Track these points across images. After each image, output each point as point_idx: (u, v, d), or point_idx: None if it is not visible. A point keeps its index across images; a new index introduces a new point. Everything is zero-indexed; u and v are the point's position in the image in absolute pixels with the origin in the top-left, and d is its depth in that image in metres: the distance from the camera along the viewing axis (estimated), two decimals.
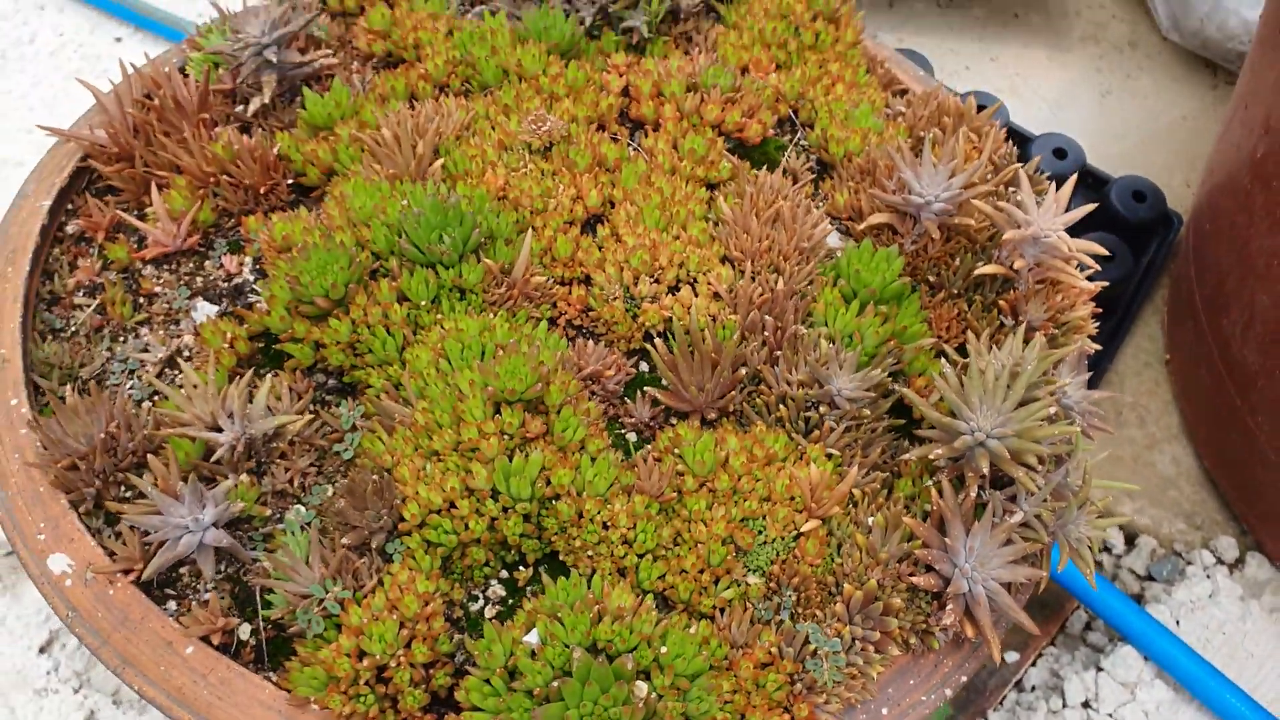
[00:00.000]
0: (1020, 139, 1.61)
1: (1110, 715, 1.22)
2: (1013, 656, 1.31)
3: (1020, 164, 0.95)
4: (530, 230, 0.88)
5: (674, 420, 0.84)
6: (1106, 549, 1.39)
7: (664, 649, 0.70)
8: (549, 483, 0.76)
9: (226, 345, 0.85)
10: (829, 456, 0.81)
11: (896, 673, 0.78)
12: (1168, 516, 1.38)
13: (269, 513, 0.80)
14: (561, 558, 0.78)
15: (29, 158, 1.62)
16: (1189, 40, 1.77)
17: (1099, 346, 0.94)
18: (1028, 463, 0.76)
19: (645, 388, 0.85)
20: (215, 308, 0.90)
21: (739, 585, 0.77)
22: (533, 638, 0.71)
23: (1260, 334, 1.20)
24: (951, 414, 0.78)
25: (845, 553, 0.78)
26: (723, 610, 0.76)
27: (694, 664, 0.70)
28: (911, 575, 0.76)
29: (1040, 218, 0.87)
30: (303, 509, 0.80)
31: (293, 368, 0.85)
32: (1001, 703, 1.29)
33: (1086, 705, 1.23)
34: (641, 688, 0.67)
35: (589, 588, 0.73)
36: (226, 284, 0.92)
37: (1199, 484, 1.40)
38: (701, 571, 0.76)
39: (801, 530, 0.78)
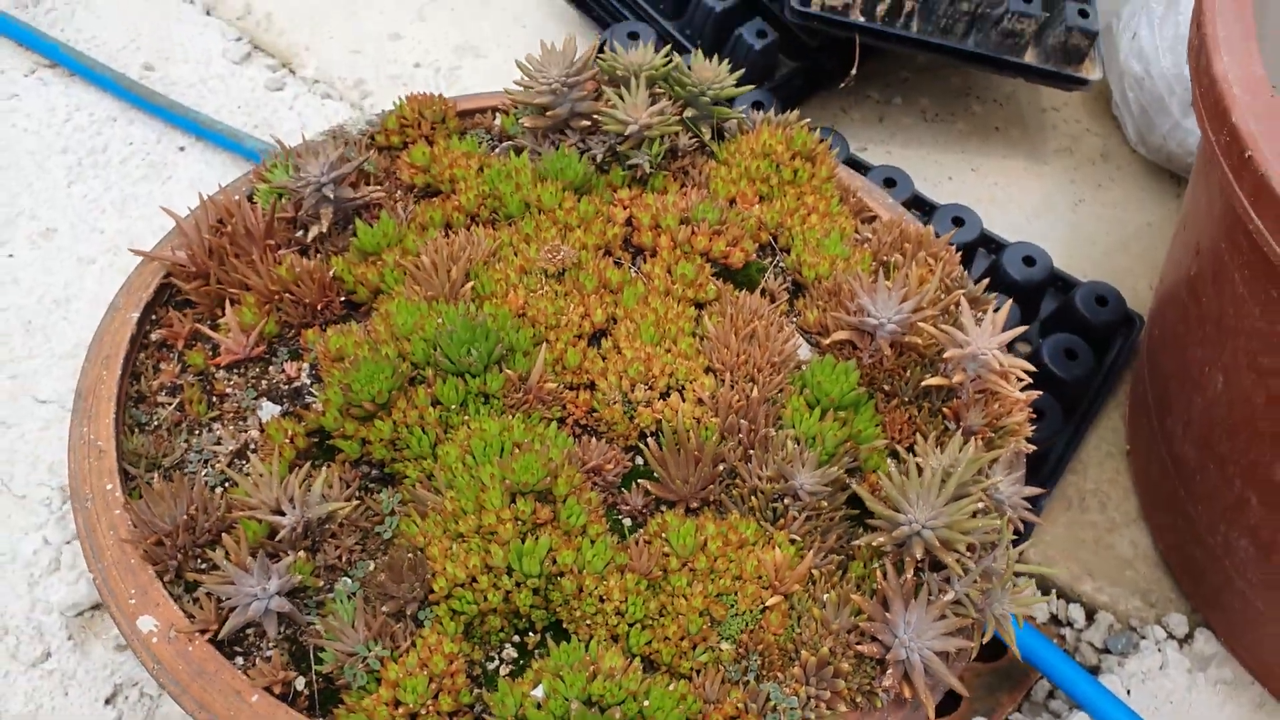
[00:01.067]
0: (994, 246, 1.77)
1: None
2: None
3: (962, 291, 1.11)
4: (544, 344, 1.04)
5: (663, 508, 0.99)
6: (1069, 623, 1.52)
7: (647, 703, 0.84)
8: (555, 562, 0.91)
9: (288, 440, 1.01)
10: (792, 542, 0.96)
11: None
12: (1124, 594, 1.51)
13: (321, 584, 0.95)
14: (565, 625, 0.93)
15: (99, 256, 1.81)
16: (1154, 154, 1.94)
17: (1033, 448, 1.09)
18: (958, 550, 0.91)
19: (639, 479, 1.00)
20: (278, 407, 1.07)
21: (713, 651, 0.91)
22: (539, 692, 0.86)
23: (1196, 433, 1.35)
24: (894, 508, 0.93)
25: (803, 624, 0.92)
26: (699, 671, 0.90)
27: (671, 716, 0.85)
28: (858, 644, 0.91)
29: (978, 338, 1.03)
30: (349, 581, 0.95)
31: (342, 460, 1.01)
32: None
33: None
34: None
35: (586, 651, 0.88)
36: (287, 387, 1.09)
37: (1154, 565, 1.54)
38: (682, 639, 0.91)
39: (767, 604, 0.93)
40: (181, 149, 1.96)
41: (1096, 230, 1.90)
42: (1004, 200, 1.94)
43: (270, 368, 1.11)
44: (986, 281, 1.19)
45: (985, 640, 0.93)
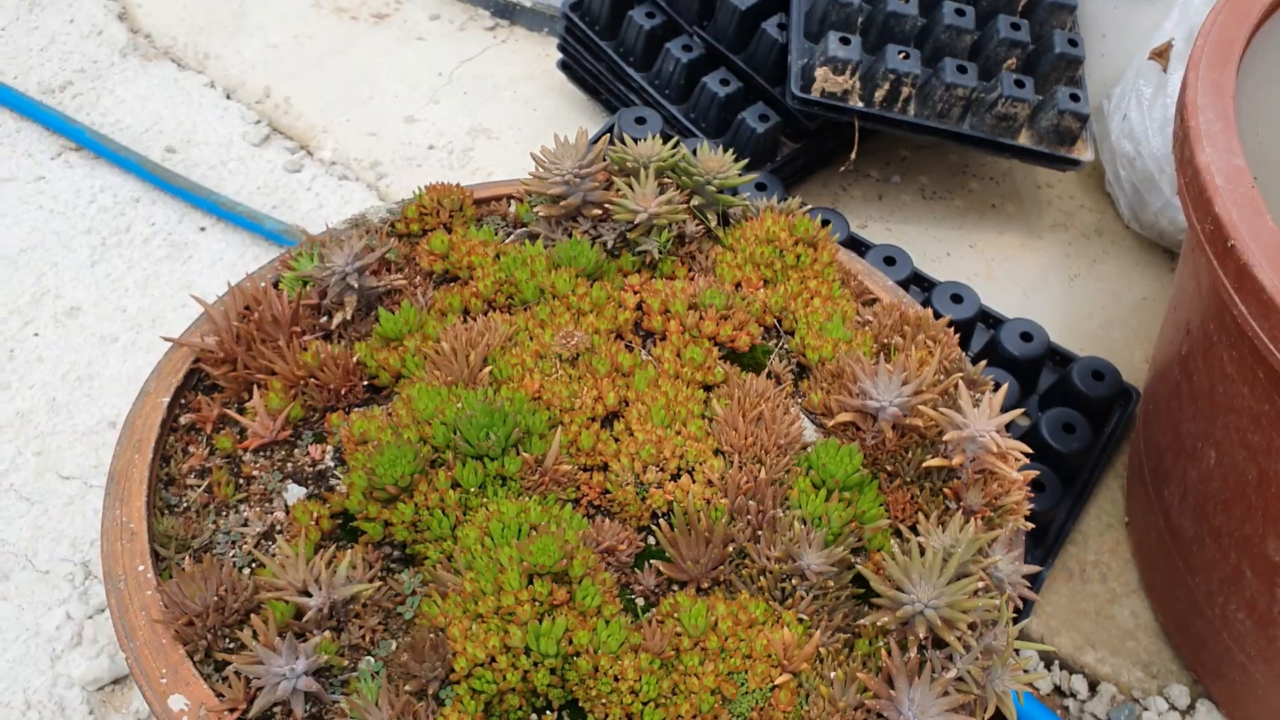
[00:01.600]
0: (992, 321, 1.82)
1: None
2: None
3: (960, 374, 1.15)
4: (559, 427, 1.08)
5: (675, 588, 1.03)
6: (1072, 694, 1.54)
7: None
8: (571, 642, 0.95)
9: (313, 523, 1.05)
10: (800, 621, 0.99)
11: None
12: (1126, 665, 1.54)
13: (346, 663, 0.99)
14: (581, 704, 0.96)
15: (122, 334, 1.86)
16: (1147, 230, 2.00)
17: (1032, 526, 1.13)
18: (959, 628, 0.95)
19: (652, 560, 1.04)
20: (303, 489, 1.11)
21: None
22: None
23: (1192, 505, 1.39)
24: (898, 588, 0.97)
25: (811, 701, 0.96)
26: None
27: None
28: None
29: (976, 420, 1.07)
30: (372, 660, 0.99)
31: (365, 541, 1.05)
32: None
33: None
34: None
35: None
36: (312, 469, 1.13)
37: (1155, 636, 1.56)
38: (694, 717, 0.94)
39: (776, 683, 0.96)
40: (202, 229, 2.02)
41: (1092, 304, 1.95)
42: (1001, 276, 1.99)
43: (295, 450, 1.15)
44: (984, 363, 1.23)
45: (988, 717, 0.96)
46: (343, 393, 1.16)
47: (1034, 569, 1.07)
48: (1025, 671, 1.00)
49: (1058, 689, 1.56)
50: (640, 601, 1.04)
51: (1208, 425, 1.33)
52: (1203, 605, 1.41)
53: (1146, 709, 1.49)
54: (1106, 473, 1.72)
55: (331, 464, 1.13)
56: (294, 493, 1.11)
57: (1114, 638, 1.56)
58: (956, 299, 1.77)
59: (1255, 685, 1.36)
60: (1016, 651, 1.01)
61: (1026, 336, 1.74)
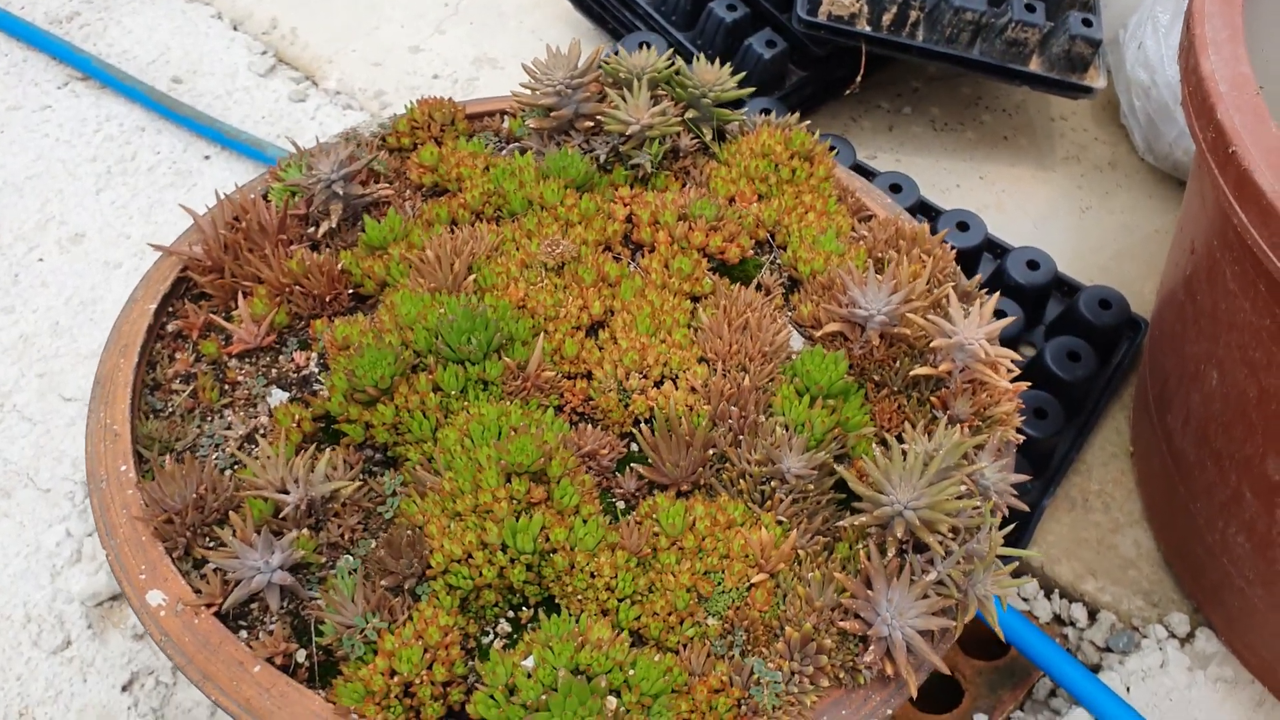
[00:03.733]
0: (999, 251, 1.79)
1: None
2: (981, 718, 1.45)
3: (953, 284, 1.14)
4: (543, 334, 1.07)
5: (655, 491, 1.02)
6: (1071, 623, 1.53)
7: (632, 672, 0.87)
8: (548, 539, 0.94)
9: (294, 424, 1.05)
10: (779, 523, 0.98)
11: (831, 704, 0.94)
12: (1127, 594, 1.52)
13: (324, 560, 0.99)
14: (557, 600, 0.96)
15: (125, 260, 1.86)
16: (1161, 162, 1.96)
17: (1021, 438, 1.11)
18: (940, 531, 0.93)
19: (633, 464, 1.04)
20: (286, 394, 1.11)
21: (700, 626, 0.94)
22: (529, 662, 0.89)
23: (1194, 428, 1.36)
24: (878, 489, 0.95)
25: (788, 601, 0.95)
26: (685, 645, 0.93)
27: (657, 685, 0.87)
28: (842, 621, 0.93)
29: (965, 328, 1.05)
30: (351, 558, 0.99)
31: (347, 444, 1.05)
32: None
33: None
34: (611, 702, 0.85)
35: (576, 624, 0.91)
36: (296, 374, 1.13)
37: (1157, 565, 1.55)
38: (670, 614, 0.94)
39: (753, 582, 0.95)
40: (207, 158, 2.01)
41: (1103, 237, 1.92)
42: (1011, 207, 1.96)
43: (280, 357, 1.14)
44: (980, 277, 1.21)
45: (967, 620, 0.95)
46: (327, 300, 1.16)
47: (1022, 478, 1.06)
48: (1008, 579, 0.98)
49: (1057, 617, 1.55)
50: (620, 505, 1.03)
51: (1210, 345, 1.30)
52: (1203, 531, 1.39)
53: (1145, 636, 1.48)
54: (1112, 404, 1.69)
55: (315, 370, 1.13)
56: (277, 397, 1.11)
57: (1115, 567, 1.54)
58: (963, 226, 1.74)
59: (1254, 610, 1.35)
60: (1002, 560, 0.99)
61: (1033, 265, 1.71)
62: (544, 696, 0.84)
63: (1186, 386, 1.38)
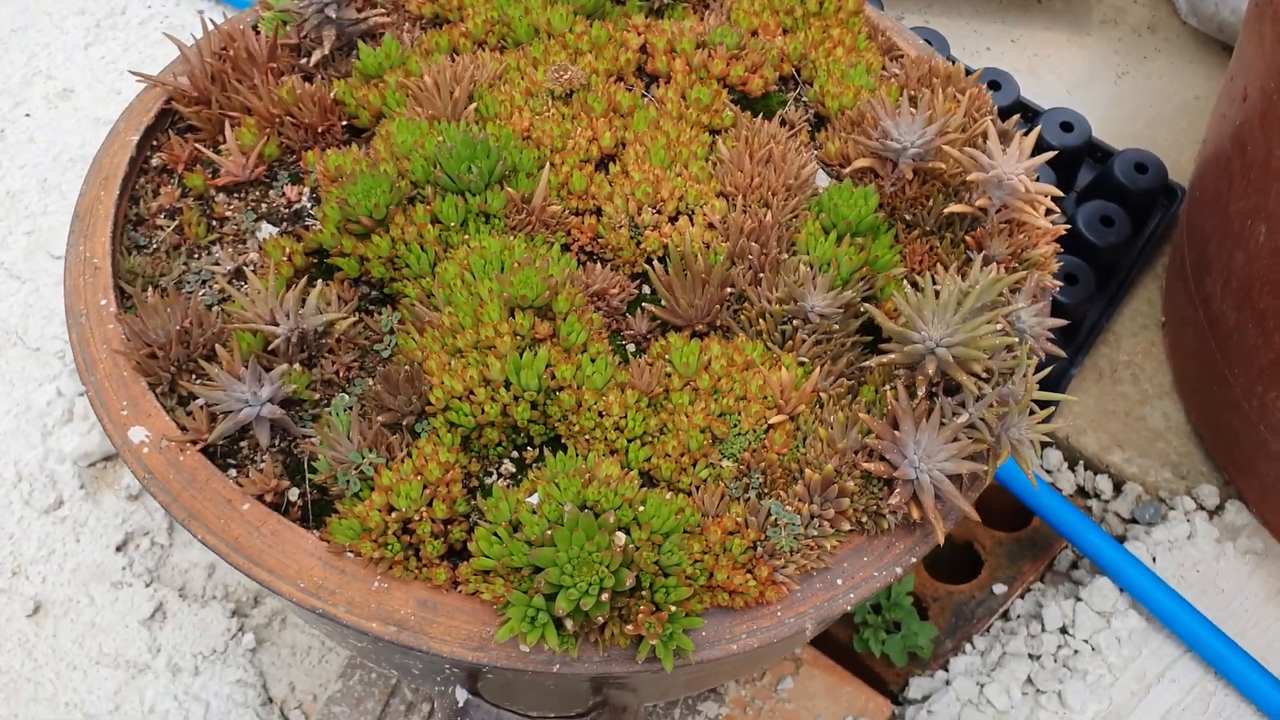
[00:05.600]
0: (1030, 113, 1.71)
1: (1086, 640, 1.31)
2: (1001, 589, 1.41)
3: (990, 118, 1.06)
4: (549, 165, 1.00)
5: (669, 333, 0.96)
6: (1095, 494, 1.48)
7: (642, 509, 0.82)
8: (554, 376, 0.88)
9: (285, 258, 0.99)
10: (800, 364, 0.92)
11: (853, 550, 0.89)
12: (1154, 466, 1.47)
13: (318, 397, 0.93)
14: (563, 440, 0.90)
15: (116, 117, 1.78)
16: (1206, 24, 1.85)
17: (1059, 283, 1.04)
18: (973, 370, 0.87)
19: (645, 304, 0.97)
20: (276, 229, 1.04)
21: (714, 468, 0.88)
22: (534, 499, 0.84)
23: (1236, 290, 1.29)
24: (908, 326, 0.89)
25: (809, 444, 0.89)
26: (698, 487, 0.88)
27: (668, 523, 0.82)
28: (866, 463, 0.88)
29: (1004, 163, 0.98)
30: (347, 396, 0.93)
31: (341, 279, 0.99)
32: (988, 629, 1.40)
33: (1064, 631, 1.33)
34: (620, 537, 0.80)
35: (584, 461, 0.86)
36: (287, 209, 1.06)
37: (1186, 437, 1.49)
38: (682, 455, 0.88)
39: (771, 424, 0.89)
40: (200, 11, 1.92)
41: (1140, 103, 1.83)
42: (1044, 71, 1.87)
43: (270, 191, 1.08)
44: (1016, 118, 1.13)
45: (1000, 464, 0.90)
46: (320, 131, 1.08)
47: (1059, 321, 0.99)
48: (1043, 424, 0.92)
49: (1081, 489, 1.50)
50: (631, 348, 0.97)
51: (1260, 199, 1.22)
52: (1240, 399, 1.33)
53: (1172, 508, 1.43)
54: (1145, 274, 1.62)
55: (308, 204, 1.06)
56: (267, 232, 1.04)
57: (1143, 438, 1.49)
58: (994, 85, 1.65)
59: None
60: (1039, 405, 0.93)
61: (1067, 127, 1.63)
62: (549, 531, 0.79)
63: (1229, 247, 1.31)
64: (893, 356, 0.88)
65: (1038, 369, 0.95)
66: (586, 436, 0.89)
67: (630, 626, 0.80)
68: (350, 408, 0.92)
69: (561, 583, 0.78)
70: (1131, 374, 1.54)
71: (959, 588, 1.42)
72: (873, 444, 0.87)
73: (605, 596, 0.78)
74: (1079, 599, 1.34)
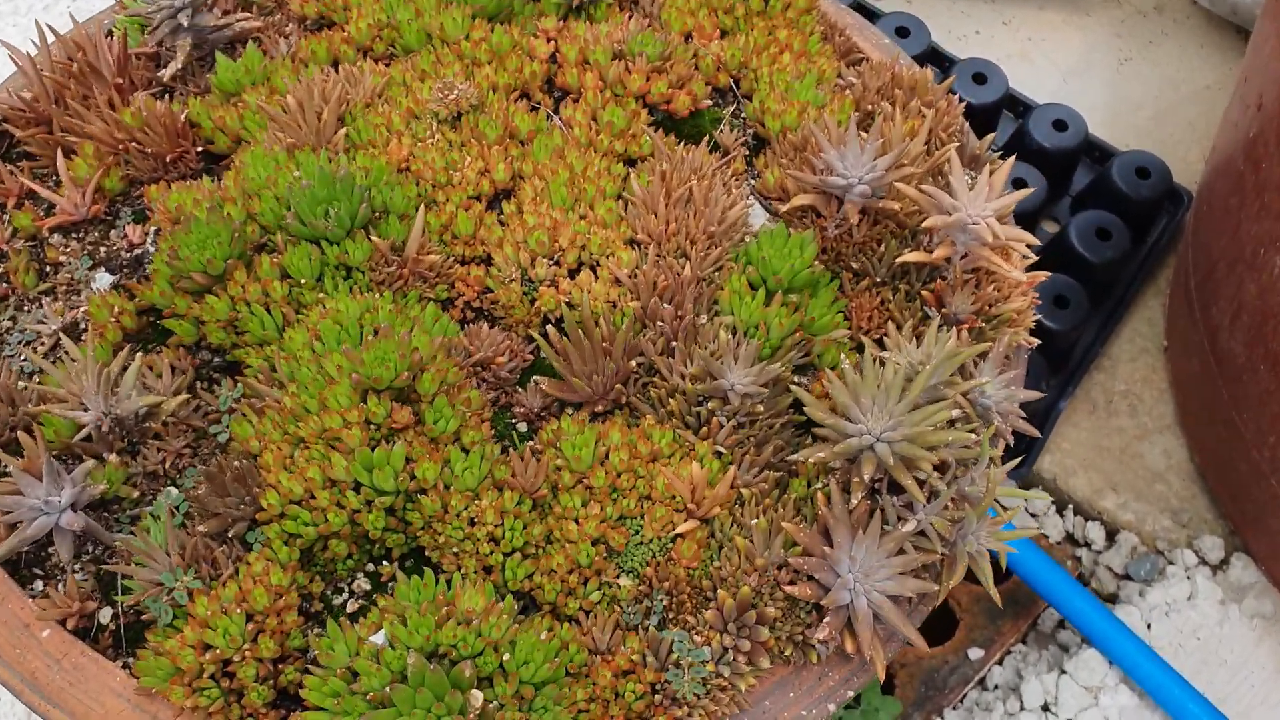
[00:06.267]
0: (1021, 108, 1.53)
1: None
2: (977, 653, 1.26)
3: (956, 144, 0.89)
4: (422, 205, 0.84)
5: (566, 412, 0.80)
6: (1086, 543, 1.33)
7: (509, 657, 0.66)
8: (414, 476, 0.73)
9: (113, 320, 0.83)
10: (717, 455, 0.77)
11: (775, 685, 0.74)
12: (1153, 512, 1.31)
13: (138, 495, 0.78)
14: (428, 554, 0.75)
15: None
16: (1218, 5, 1.67)
17: (1036, 341, 0.88)
18: (921, 468, 0.71)
19: (539, 377, 0.81)
20: (114, 278, 0.88)
21: (608, 588, 0.73)
22: (379, 638, 0.68)
23: (1246, 325, 1.13)
24: (844, 415, 0.73)
25: (724, 557, 0.74)
26: (588, 613, 0.72)
27: (541, 671, 0.67)
28: (790, 584, 0.72)
29: (970, 203, 0.82)
30: (174, 491, 0.78)
31: (176, 344, 0.83)
32: (961, 701, 1.25)
33: (1046, 709, 1.19)
34: (477, 697, 0.64)
35: (449, 587, 0.71)
36: (128, 254, 0.90)
37: (1189, 479, 1.33)
38: (570, 572, 0.73)
39: (679, 531, 0.74)
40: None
41: (1143, 94, 1.65)
42: (1038, 58, 1.69)
43: (112, 232, 0.92)
44: (992, 137, 0.96)
45: (954, 584, 0.74)
46: (169, 160, 0.92)
47: (1034, 395, 0.83)
48: (1006, 530, 0.77)
49: (1070, 537, 1.34)
50: (523, 427, 0.82)
51: (1276, 225, 1.06)
52: (1250, 445, 1.17)
53: (1172, 563, 1.27)
54: (1146, 289, 1.45)
55: (152, 248, 0.90)
56: (104, 281, 0.89)
57: (1140, 480, 1.33)
58: (980, 79, 1.48)
59: None
60: (1000, 504, 0.78)
61: (1060, 125, 1.46)
62: (389, 688, 0.64)
63: (1240, 274, 1.14)
64: (822, 455, 0.72)
65: (1005, 455, 0.80)
66: (455, 550, 0.73)
67: None
68: (177, 508, 0.77)
69: None
70: (1129, 405, 1.38)
71: (930, 651, 1.27)
72: (798, 562, 0.72)
73: None
74: (1063, 671, 1.19)
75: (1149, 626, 1.21)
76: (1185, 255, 1.36)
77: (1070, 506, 1.34)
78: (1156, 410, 1.38)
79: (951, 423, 0.74)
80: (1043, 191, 1.44)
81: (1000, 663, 1.27)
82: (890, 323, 0.84)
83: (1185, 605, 1.22)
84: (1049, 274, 0.89)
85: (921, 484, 0.73)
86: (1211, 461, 1.30)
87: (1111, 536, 1.32)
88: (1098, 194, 1.46)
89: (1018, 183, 1.40)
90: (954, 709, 1.23)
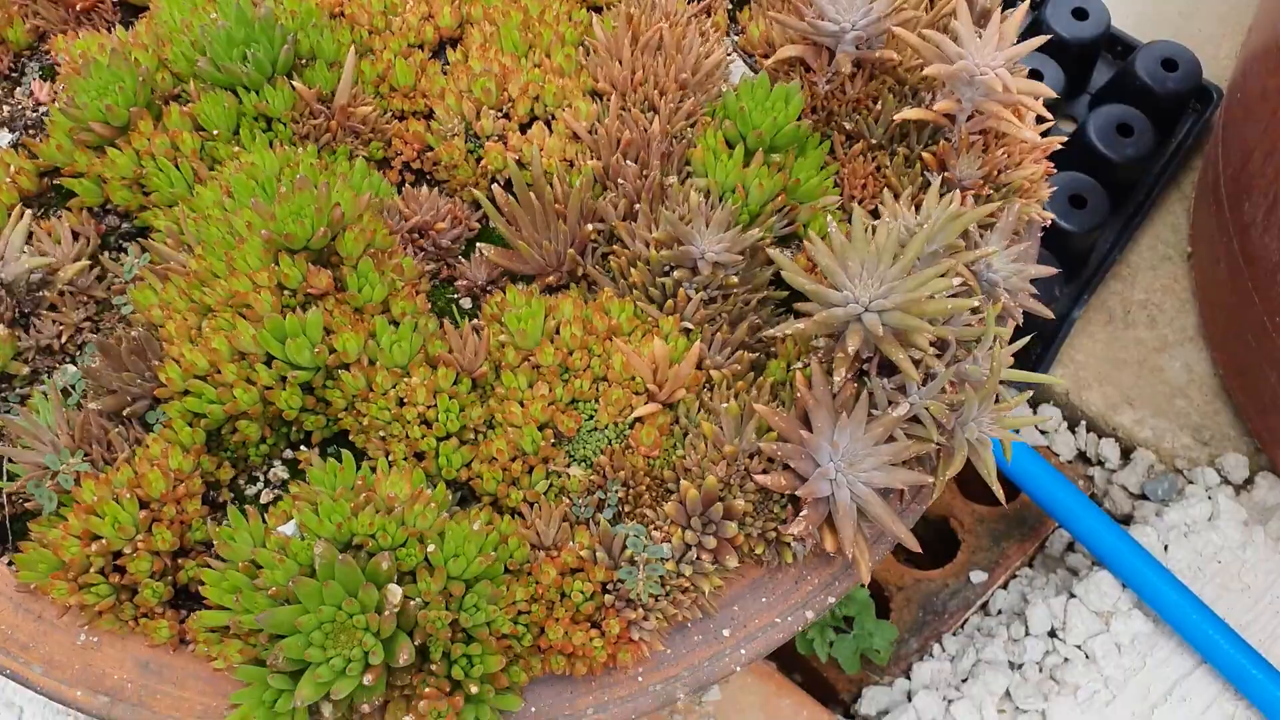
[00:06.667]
0: None
1: (1078, 647, 1.08)
2: (980, 577, 1.18)
3: None
4: (353, 48, 0.74)
5: (521, 284, 0.71)
6: (1099, 462, 1.24)
7: (434, 548, 0.58)
8: (334, 349, 0.64)
9: (9, 180, 0.74)
10: (685, 332, 0.67)
11: (746, 588, 0.65)
12: (1172, 429, 1.22)
13: (29, 371, 0.69)
14: (352, 438, 0.66)
15: None
16: None
17: (1050, 216, 0.78)
18: (916, 343, 0.62)
19: (484, 245, 0.72)
20: (14, 135, 0.79)
21: (556, 477, 0.64)
22: (289, 529, 0.60)
23: None
24: (829, 281, 0.64)
25: (689, 444, 0.65)
26: (533, 505, 0.63)
27: (473, 567, 0.58)
28: (763, 473, 0.63)
29: (977, 52, 0.71)
30: (72, 369, 0.69)
31: (79, 207, 0.74)
32: (962, 627, 1.17)
33: (1053, 635, 1.10)
34: (395, 592, 0.56)
35: (373, 473, 0.62)
36: (34, 114, 0.80)
37: (1212, 394, 1.24)
38: (514, 459, 0.64)
39: (639, 415, 0.65)
40: None
41: None
42: None
43: (17, 90, 0.82)
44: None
45: (952, 474, 0.65)
46: (80, 9, 0.82)
47: (1048, 270, 0.73)
48: (1015, 415, 0.67)
49: (1082, 455, 1.26)
50: (467, 304, 0.72)
51: None
52: None
53: (1191, 482, 1.18)
54: (1169, 193, 1.35)
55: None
56: (2, 140, 0.79)
57: (1159, 394, 1.24)
58: None
59: None
60: (1007, 386, 0.68)
61: (1080, 14, 1.35)
62: (293, 582, 0.55)
63: (1277, 164, 1.04)
64: (801, 327, 0.63)
65: (1014, 335, 0.70)
66: (381, 433, 0.64)
67: (410, 718, 0.57)
68: (73, 387, 0.68)
69: (307, 657, 0.55)
70: (1149, 315, 1.28)
71: (929, 574, 1.19)
72: (772, 449, 0.63)
73: (371, 677, 0.55)
74: (1072, 595, 1.10)
75: (1166, 549, 1.12)
76: (1214, 153, 1.26)
77: (1083, 423, 1.25)
78: (1178, 321, 1.28)
79: (953, 294, 0.64)
80: (1059, 86, 1.33)
81: (1005, 587, 1.18)
82: (886, 189, 0.74)
83: (1205, 527, 1.14)
84: (1053, 170, 0.79)
85: (917, 364, 0.64)
86: (1237, 374, 1.20)
87: (1127, 454, 1.23)
88: (1120, 90, 1.35)
89: (1033, 74, 1.29)
90: (954, 635, 1.15)
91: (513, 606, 0.60)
